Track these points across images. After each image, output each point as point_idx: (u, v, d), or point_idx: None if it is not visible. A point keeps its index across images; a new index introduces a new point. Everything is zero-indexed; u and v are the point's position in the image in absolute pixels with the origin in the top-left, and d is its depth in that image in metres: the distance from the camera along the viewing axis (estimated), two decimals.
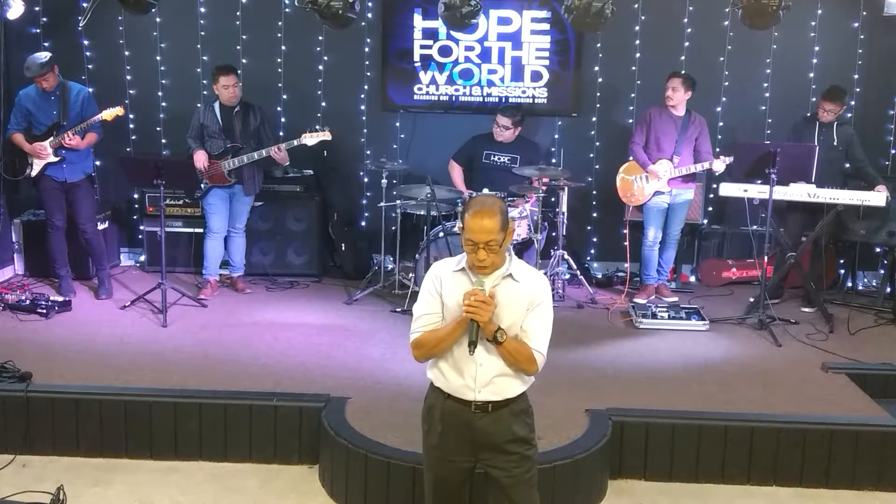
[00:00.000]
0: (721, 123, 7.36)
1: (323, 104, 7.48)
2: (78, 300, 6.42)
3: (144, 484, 4.32)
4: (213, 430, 4.53)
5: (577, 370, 5.25)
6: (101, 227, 6.91)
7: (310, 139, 6.48)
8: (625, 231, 7.03)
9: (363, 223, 7.69)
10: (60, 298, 6.28)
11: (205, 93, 7.32)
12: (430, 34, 7.41)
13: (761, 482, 4.40)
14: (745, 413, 4.57)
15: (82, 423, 4.55)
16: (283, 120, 7.47)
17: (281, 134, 7.27)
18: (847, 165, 6.73)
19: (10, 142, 6.37)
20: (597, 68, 7.41)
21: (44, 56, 6.19)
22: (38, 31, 7.25)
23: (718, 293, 7.10)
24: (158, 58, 7.42)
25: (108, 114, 6.27)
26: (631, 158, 6.81)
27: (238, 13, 7.34)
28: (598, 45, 7.35)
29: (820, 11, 7.19)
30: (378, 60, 7.48)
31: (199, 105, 6.72)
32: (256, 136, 6.62)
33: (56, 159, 6.29)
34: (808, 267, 6.71)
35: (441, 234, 6.36)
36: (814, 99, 7.11)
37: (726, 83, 7.34)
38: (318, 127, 6.63)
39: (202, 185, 6.55)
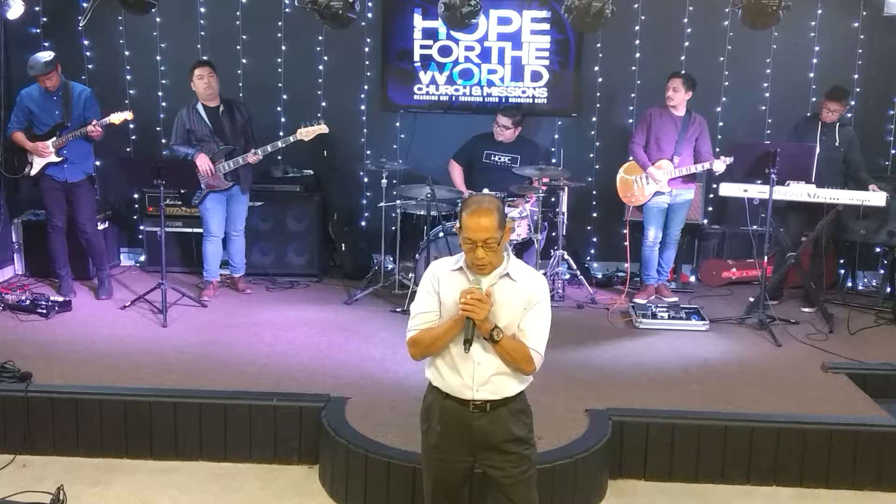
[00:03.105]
0: (721, 123, 7.36)
1: (323, 104, 7.48)
2: (78, 300, 6.42)
3: (144, 484, 4.32)
4: (213, 430, 4.53)
5: (577, 370, 5.25)
6: (101, 227, 6.91)
7: (306, 134, 6.39)
8: (625, 231, 7.03)
9: (363, 223, 7.69)
10: (60, 298, 6.28)
11: None
12: (430, 34, 7.41)
13: (761, 482, 4.40)
14: (745, 413, 4.57)
15: (82, 423, 4.55)
16: (283, 120, 7.47)
17: (280, 134, 7.27)
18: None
19: (11, 140, 6.38)
20: (597, 68, 7.41)
21: (48, 55, 6.20)
22: (38, 31, 7.26)
23: (718, 293, 7.10)
24: (158, 58, 7.42)
25: (117, 118, 6.26)
26: (631, 158, 6.81)
27: (238, 13, 7.34)
28: (598, 45, 7.35)
29: (820, 11, 7.19)
30: (378, 60, 7.48)
31: (181, 110, 6.56)
32: (244, 135, 6.58)
33: (58, 159, 6.29)
34: (808, 267, 6.71)
35: (441, 234, 6.36)
36: (814, 99, 7.12)
37: (726, 83, 7.34)
38: (313, 121, 6.47)
39: (202, 187, 6.51)
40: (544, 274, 6.38)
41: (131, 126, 7.41)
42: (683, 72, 6.77)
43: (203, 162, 6.35)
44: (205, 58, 6.75)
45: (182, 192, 6.59)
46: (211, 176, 6.40)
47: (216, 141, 6.47)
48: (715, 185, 7.02)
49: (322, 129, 6.43)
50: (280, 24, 7.36)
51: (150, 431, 4.54)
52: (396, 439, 4.16)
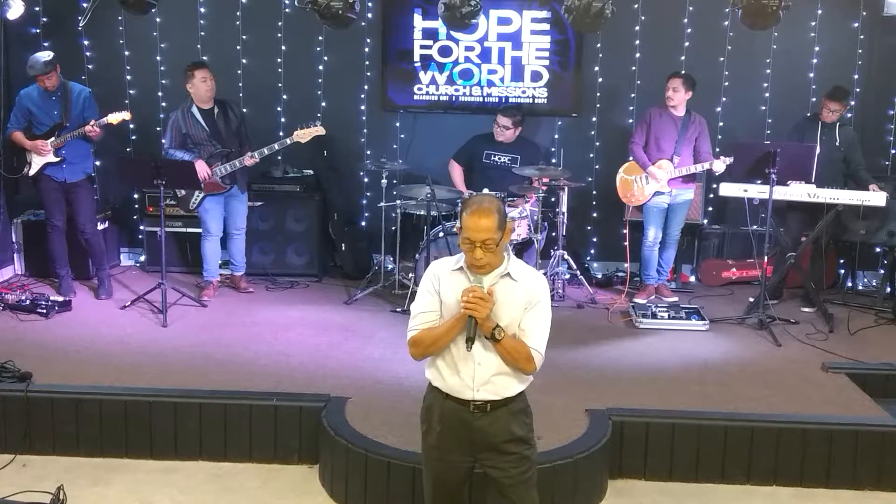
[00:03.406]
0: (721, 123, 7.36)
1: (323, 104, 7.48)
2: (78, 300, 6.42)
3: (144, 484, 4.32)
4: (213, 430, 4.53)
5: (577, 370, 5.25)
6: (100, 227, 6.91)
7: (303, 136, 6.36)
8: (625, 231, 7.03)
9: (363, 223, 7.69)
10: (60, 298, 6.28)
11: None
12: (430, 34, 7.42)
13: (761, 482, 4.40)
14: (745, 413, 4.57)
15: (82, 423, 4.54)
16: (282, 120, 7.47)
17: (280, 134, 7.27)
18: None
19: (10, 140, 6.38)
20: (597, 68, 7.41)
21: (47, 55, 6.21)
22: (38, 31, 7.26)
23: (718, 293, 7.10)
24: (158, 58, 7.42)
25: (115, 118, 6.26)
26: (631, 158, 6.81)
27: (238, 13, 7.34)
28: (598, 45, 7.35)
29: (820, 11, 7.19)
30: (378, 60, 7.48)
31: (173, 114, 6.53)
32: (238, 136, 6.57)
33: (56, 159, 6.29)
34: (808, 267, 6.71)
35: (441, 234, 6.36)
36: (814, 99, 7.12)
37: (726, 83, 7.34)
38: (310, 122, 6.45)
39: (196, 196, 6.48)
40: (544, 274, 6.39)
41: (131, 126, 7.41)
42: (683, 72, 6.78)
43: (202, 169, 6.32)
44: (203, 59, 6.75)
45: (179, 196, 6.56)
46: (209, 180, 6.40)
47: (213, 144, 6.46)
48: (715, 185, 7.02)
49: (319, 130, 6.40)
50: (280, 24, 7.35)
51: (150, 431, 4.54)
52: (396, 439, 4.16)
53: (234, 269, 6.88)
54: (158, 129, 7.50)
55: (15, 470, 4.40)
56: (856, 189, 6.42)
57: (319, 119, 6.55)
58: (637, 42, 7.32)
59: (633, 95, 7.42)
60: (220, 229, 6.69)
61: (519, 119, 6.93)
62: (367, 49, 7.44)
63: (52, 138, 6.25)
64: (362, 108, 7.53)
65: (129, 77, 7.45)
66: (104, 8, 6.81)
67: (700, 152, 6.68)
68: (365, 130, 7.57)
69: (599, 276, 7.38)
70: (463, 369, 3.06)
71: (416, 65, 7.46)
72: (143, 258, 7.47)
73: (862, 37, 7.21)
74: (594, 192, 7.55)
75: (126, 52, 7.42)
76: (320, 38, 7.38)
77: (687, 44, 7.27)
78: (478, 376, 3.05)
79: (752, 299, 6.43)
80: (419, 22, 7.40)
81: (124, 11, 6.75)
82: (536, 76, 7.44)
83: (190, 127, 6.44)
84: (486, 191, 6.33)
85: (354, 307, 6.50)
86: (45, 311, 6.00)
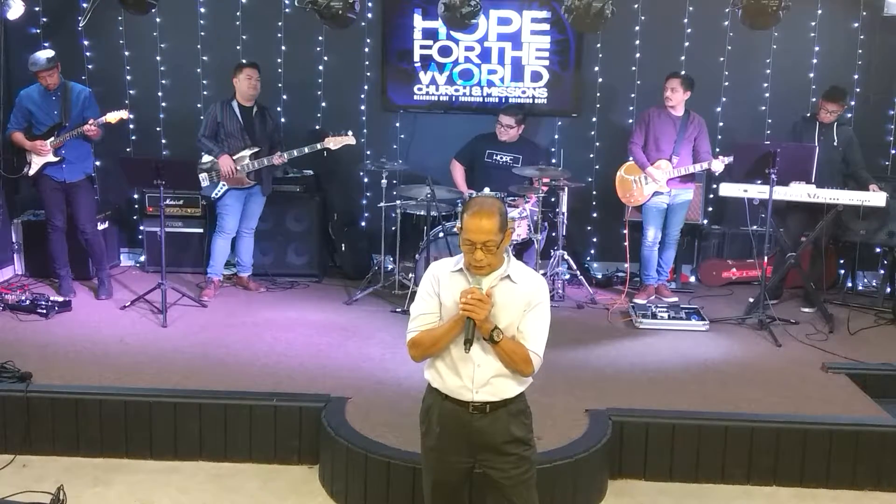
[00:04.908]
0: (721, 123, 7.36)
1: (323, 104, 7.48)
2: (78, 300, 6.42)
3: (144, 484, 4.32)
4: (213, 430, 4.53)
5: (577, 370, 5.25)
6: (100, 227, 6.90)
7: (333, 143, 6.55)
8: (625, 231, 7.03)
9: (363, 223, 7.69)
10: (60, 298, 6.28)
11: (205, 93, 7.34)
12: (430, 34, 7.42)
13: (761, 482, 4.40)
14: (745, 413, 4.57)
15: (82, 423, 4.55)
16: (283, 120, 7.47)
17: (281, 135, 7.27)
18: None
19: (10, 140, 6.38)
20: (597, 68, 7.41)
21: (50, 52, 6.23)
22: (38, 31, 7.26)
23: (718, 293, 7.11)
24: (158, 58, 7.42)
25: (113, 117, 6.27)
26: (630, 159, 6.81)
27: (238, 13, 7.34)
28: (598, 45, 7.36)
29: (820, 11, 7.20)
30: (378, 60, 7.48)
31: (215, 103, 6.63)
32: (270, 140, 6.66)
33: (56, 159, 6.29)
34: (808, 267, 6.71)
35: (441, 234, 6.36)
36: (814, 99, 7.11)
37: (726, 83, 7.34)
38: (341, 131, 6.62)
39: (220, 186, 6.53)
40: (544, 274, 6.39)
41: (131, 126, 7.42)
42: (682, 72, 6.78)
43: (226, 163, 6.39)
44: (251, 61, 6.77)
45: (204, 185, 6.57)
46: (233, 175, 6.43)
47: (244, 138, 6.52)
48: (715, 186, 7.02)
49: (350, 140, 6.58)
50: (280, 24, 7.36)
51: (150, 431, 4.54)
52: (396, 439, 4.16)
53: (242, 269, 6.89)
54: (158, 129, 7.51)
55: (15, 470, 4.40)
56: (856, 189, 6.42)
57: (350, 130, 6.59)
58: (637, 42, 7.32)
59: (633, 95, 7.42)
60: (235, 229, 6.70)
61: (521, 118, 6.94)
62: (367, 49, 7.44)
63: (52, 138, 6.25)
64: (362, 108, 7.53)
65: (129, 77, 7.45)
66: (104, 8, 6.81)
67: (699, 152, 6.68)
68: (365, 130, 7.57)
69: (599, 277, 7.38)
70: (462, 371, 3.06)
71: (416, 65, 7.47)
72: (142, 258, 7.47)
73: (862, 37, 7.21)
74: (594, 193, 7.56)
75: (126, 52, 7.42)
76: (320, 38, 7.38)
77: (687, 44, 7.27)
78: (477, 378, 3.05)
79: (752, 299, 6.43)
80: (419, 22, 7.40)
81: (124, 11, 6.74)
82: (536, 76, 7.44)
83: (225, 117, 6.52)
84: (487, 190, 6.34)
85: (354, 307, 6.51)
86: (45, 311, 6.00)
